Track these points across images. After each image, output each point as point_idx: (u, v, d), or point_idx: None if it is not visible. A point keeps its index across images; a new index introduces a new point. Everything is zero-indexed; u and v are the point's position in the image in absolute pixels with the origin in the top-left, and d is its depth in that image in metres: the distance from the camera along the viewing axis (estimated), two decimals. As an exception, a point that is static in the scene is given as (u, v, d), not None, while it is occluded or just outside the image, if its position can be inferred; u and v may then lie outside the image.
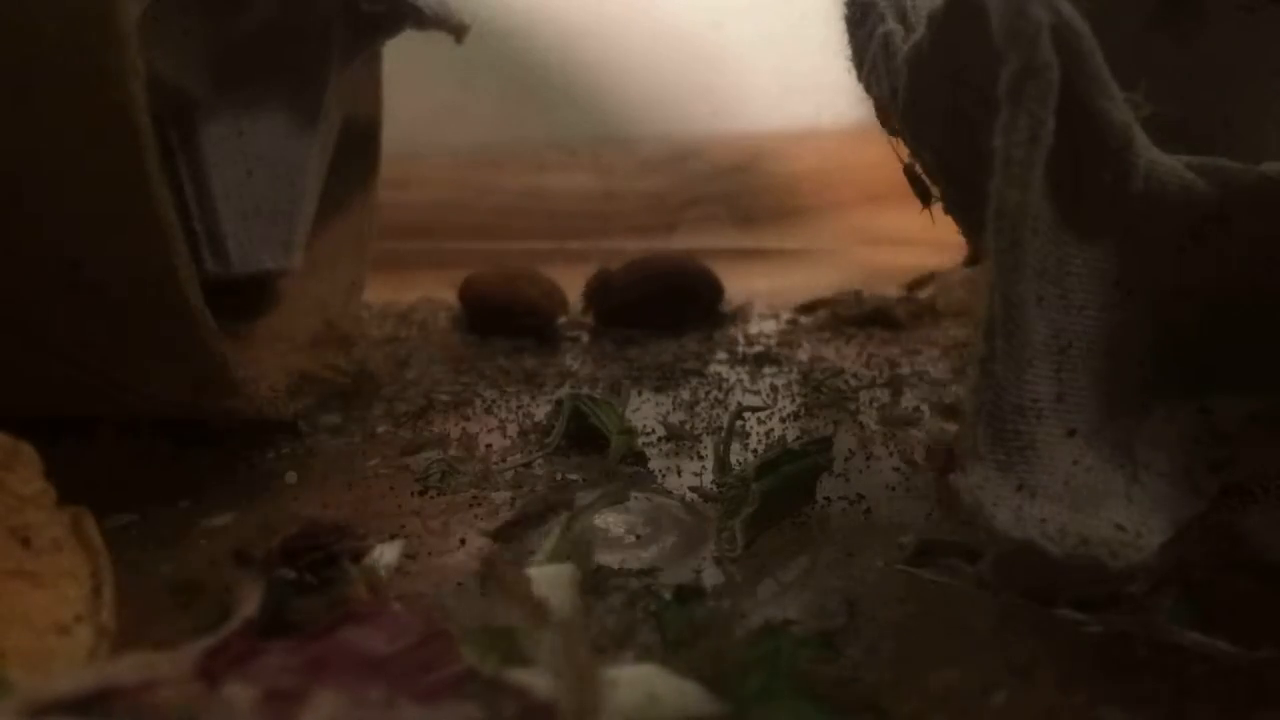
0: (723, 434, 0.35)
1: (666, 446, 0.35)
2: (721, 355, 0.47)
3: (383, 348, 0.50)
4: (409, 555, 0.26)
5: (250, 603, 0.21)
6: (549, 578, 0.22)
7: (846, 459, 0.33)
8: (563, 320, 0.55)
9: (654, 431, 0.36)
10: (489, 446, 0.36)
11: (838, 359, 0.46)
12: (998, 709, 0.19)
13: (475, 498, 0.31)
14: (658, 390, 0.42)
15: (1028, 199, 0.20)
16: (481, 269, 0.56)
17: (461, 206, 0.80)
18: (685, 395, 0.41)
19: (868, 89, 0.30)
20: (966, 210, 0.27)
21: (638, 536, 0.28)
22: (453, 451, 0.35)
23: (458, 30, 0.43)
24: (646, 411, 0.39)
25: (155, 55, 0.29)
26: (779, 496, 0.28)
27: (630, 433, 0.34)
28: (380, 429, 0.38)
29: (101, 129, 0.23)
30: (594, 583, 0.24)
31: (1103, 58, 0.21)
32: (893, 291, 0.59)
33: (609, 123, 0.80)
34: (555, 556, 0.26)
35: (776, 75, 0.79)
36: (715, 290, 0.55)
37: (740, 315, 0.56)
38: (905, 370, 0.44)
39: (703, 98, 0.80)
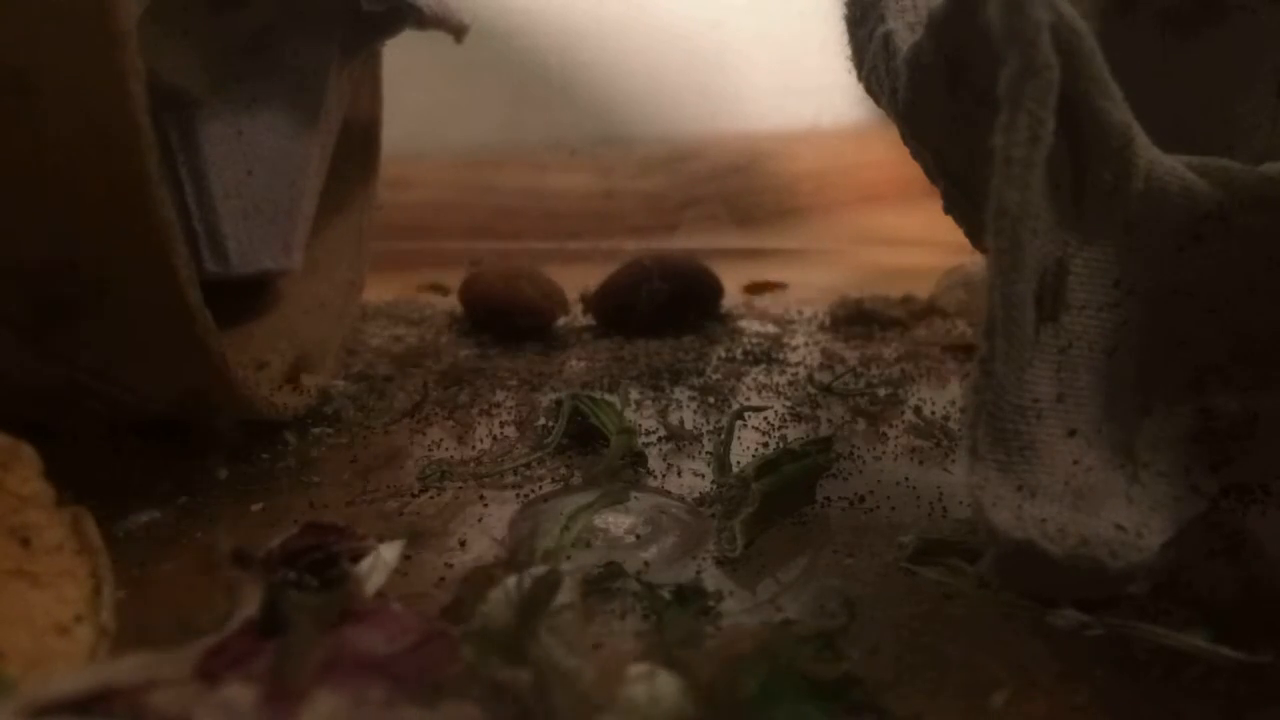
0: (722, 434, 0.35)
1: (666, 446, 0.35)
2: (721, 355, 0.47)
3: (382, 348, 0.50)
4: (409, 555, 0.27)
5: (250, 603, 0.21)
6: (547, 578, 0.22)
7: (846, 458, 0.33)
8: (562, 320, 0.55)
9: (654, 431, 0.36)
10: (488, 447, 0.36)
11: (838, 359, 0.46)
12: (998, 709, 0.19)
13: (475, 498, 0.31)
14: (658, 390, 0.42)
15: (1028, 199, 0.20)
16: (481, 269, 0.56)
17: (461, 206, 0.79)
18: (685, 395, 0.41)
19: (868, 89, 0.30)
20: (967, 210, 0.27)
21: (638, 536, 0.28)
22: (452, 451, 0.35)
23: (458, 30, 0.43)
24: (647, 411, 0.39)
25: (155, 55, 0.29)
26: (779, 496, 0.28)
27: (630, 433, 0.34)
28: (380, 429, 0.38)
29: (101, 129, 0.23)
30: (594, 582, 0.24)
31: (1103, 57, 0.21)
32: (892, 292, 0.59)
33: (609, 123, 0.80)
34: (554, 556, 0.26)
35: (776, 75, 0.79)
36: (715, 290, 0.55)
37: (740, 315, 0.56)
38: (905, 370, 0.44)
39: (702, 98, 0.80)
